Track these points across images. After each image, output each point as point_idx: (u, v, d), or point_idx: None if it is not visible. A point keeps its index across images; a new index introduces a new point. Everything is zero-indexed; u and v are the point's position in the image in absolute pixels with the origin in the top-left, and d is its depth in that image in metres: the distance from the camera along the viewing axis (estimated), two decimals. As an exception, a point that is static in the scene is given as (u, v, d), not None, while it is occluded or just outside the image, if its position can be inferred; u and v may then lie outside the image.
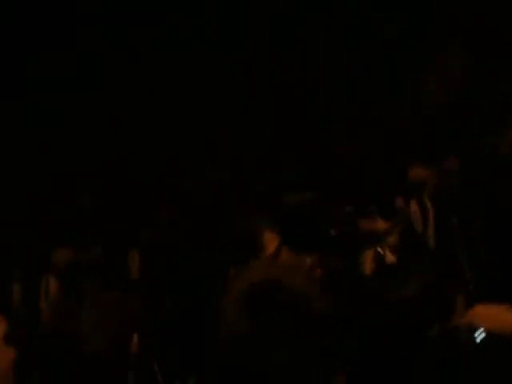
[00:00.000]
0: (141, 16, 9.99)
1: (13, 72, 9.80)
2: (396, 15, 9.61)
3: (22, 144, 9.77)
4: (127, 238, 8.50)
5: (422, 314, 2.07)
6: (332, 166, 9.58)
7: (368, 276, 2.95)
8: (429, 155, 7.32)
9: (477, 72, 9.36)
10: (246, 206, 6.38)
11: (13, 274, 8.16)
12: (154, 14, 9.99)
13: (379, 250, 3.43)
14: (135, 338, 4.24)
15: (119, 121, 10.11)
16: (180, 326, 5.79)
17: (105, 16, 10.00)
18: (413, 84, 9.68)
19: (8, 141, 9.71)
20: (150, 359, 4.78)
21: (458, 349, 1.18)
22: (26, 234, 9.27)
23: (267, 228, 3.74)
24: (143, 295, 6.57)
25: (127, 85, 9.98)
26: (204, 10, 10.01)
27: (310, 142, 9.87)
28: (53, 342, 3.67)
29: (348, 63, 9.74)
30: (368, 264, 3.22)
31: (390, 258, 3.47)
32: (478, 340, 1.12)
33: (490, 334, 1.10)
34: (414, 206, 6.60)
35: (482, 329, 1.13)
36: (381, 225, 4.39)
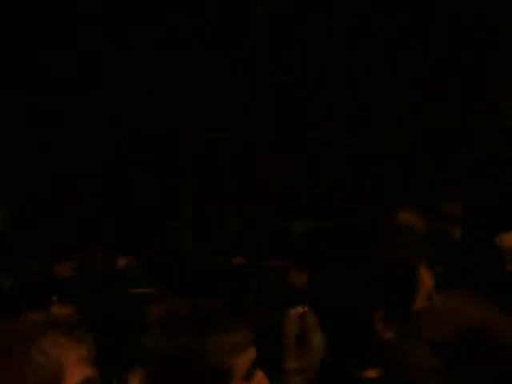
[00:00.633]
0: (141, 16, 9.98)
1: (12, 72, 9.80)
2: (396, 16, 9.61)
3: (24, 144, 9.78)
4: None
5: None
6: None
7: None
8: None
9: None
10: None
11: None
12: (154, 14, 9.98)
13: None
14: None
15: (119, 120, 10.12)
16: None
17: (105, 16, 9.99)
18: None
19: (9, 140, 9.71)
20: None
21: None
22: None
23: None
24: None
25: (127, 84, 9.98)
26: (204, 10, 10.00)
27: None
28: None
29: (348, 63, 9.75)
30: None
31: None
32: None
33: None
34: None
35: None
36: None
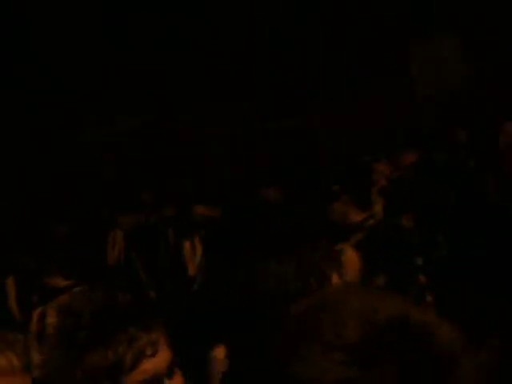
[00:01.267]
0: (141, 16, 10.00)
1: (12, 72, 9.80)
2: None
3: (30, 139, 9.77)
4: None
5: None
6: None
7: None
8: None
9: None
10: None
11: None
12: (154, 13, 10.00)
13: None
14: None
15: (119, 120, 10.12)
16: None
17: (105, 16, 10.01)
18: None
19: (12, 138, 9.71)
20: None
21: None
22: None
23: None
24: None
25: (127, 84, 9.99)
26: (204, 10, 10.01)
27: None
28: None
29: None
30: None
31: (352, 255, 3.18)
32: None
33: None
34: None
35: None
36: (354, 216, 4.17)
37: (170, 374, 1.61)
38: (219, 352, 2.13)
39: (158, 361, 1.58)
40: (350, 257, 3.54)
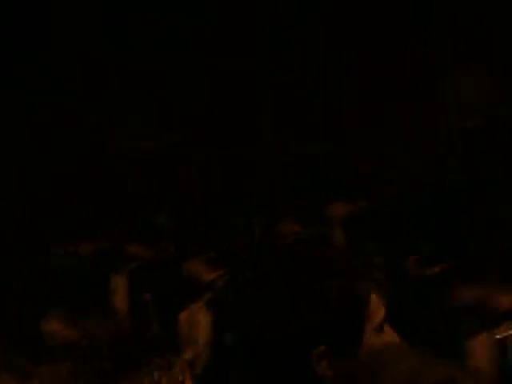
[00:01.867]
0: (141, 16, 9.99)
1: (12, 72, 9.80)
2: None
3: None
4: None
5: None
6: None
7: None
8: None
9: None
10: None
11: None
12: (154, 14, 9.99)
13: None
14: None
15: (118, 120, 10.13)
16: None
17: (105, 16, 10.01)
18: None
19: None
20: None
21: None
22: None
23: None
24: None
25: (127, 84, 9.99)
26: (204, 10, 10.00)
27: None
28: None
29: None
30: None
31: None
32: None
33: None
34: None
35: None
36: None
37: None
38: None
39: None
40: (200, 318, 3.59)
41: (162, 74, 10.03)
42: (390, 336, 1.78)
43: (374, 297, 1.89)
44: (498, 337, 2.32)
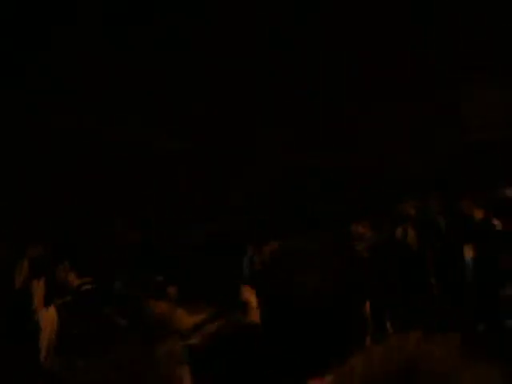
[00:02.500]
0: (141, 16, 9.99)
1: (12, 72, 9.79)
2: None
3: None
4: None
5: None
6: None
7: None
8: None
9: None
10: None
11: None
12: (154, 14, 9.99)
13: None
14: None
15: (118, 120, 10.11)
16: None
17: (105, 16, 10.00)
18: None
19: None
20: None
21: None
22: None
23: None
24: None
25: (127, 84, 9.99)
26: (204, 10, 10.00)
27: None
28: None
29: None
30: None
31: None
32: None
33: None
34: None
35: None
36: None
37: None
38: None
39: None
40: (48, 316, 3.71)
41: (161, 74, 10.03)
42: None
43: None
44: None
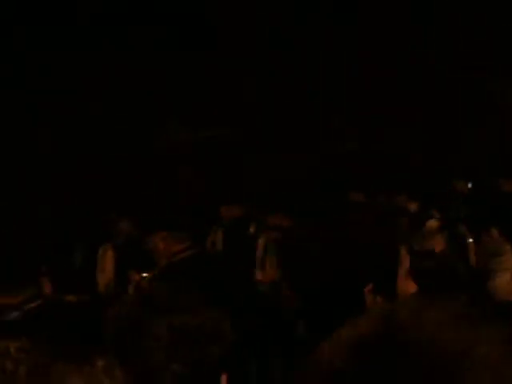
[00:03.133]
0: (141, 16, 9.99)
1: (12, 72, 9.79)
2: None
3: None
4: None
5: None
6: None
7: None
8: None
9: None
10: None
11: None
12: (154, 14, 9.99)
13: None
14: None
15: (118, 120, 10.12)
16: None
17: (105, 16, 10.00)
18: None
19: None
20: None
21: None
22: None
23: None
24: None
25: (127, 84, 9.99)
26: (204, 10, 10.01)
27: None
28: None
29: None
30: None
31: None
32: None
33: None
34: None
35: None
36: None
37: None
38: None
39: None
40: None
41: (161, 74, 10.03)
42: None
43: (402, 248, 2.50)
44: None
